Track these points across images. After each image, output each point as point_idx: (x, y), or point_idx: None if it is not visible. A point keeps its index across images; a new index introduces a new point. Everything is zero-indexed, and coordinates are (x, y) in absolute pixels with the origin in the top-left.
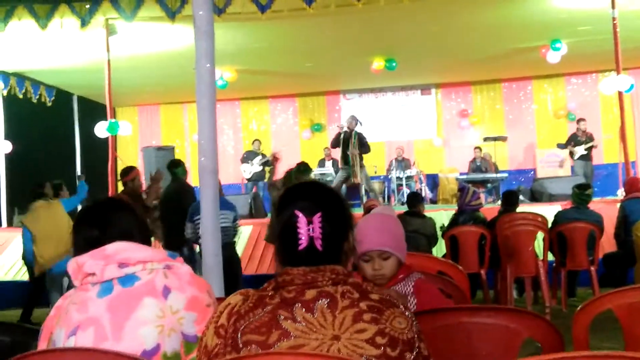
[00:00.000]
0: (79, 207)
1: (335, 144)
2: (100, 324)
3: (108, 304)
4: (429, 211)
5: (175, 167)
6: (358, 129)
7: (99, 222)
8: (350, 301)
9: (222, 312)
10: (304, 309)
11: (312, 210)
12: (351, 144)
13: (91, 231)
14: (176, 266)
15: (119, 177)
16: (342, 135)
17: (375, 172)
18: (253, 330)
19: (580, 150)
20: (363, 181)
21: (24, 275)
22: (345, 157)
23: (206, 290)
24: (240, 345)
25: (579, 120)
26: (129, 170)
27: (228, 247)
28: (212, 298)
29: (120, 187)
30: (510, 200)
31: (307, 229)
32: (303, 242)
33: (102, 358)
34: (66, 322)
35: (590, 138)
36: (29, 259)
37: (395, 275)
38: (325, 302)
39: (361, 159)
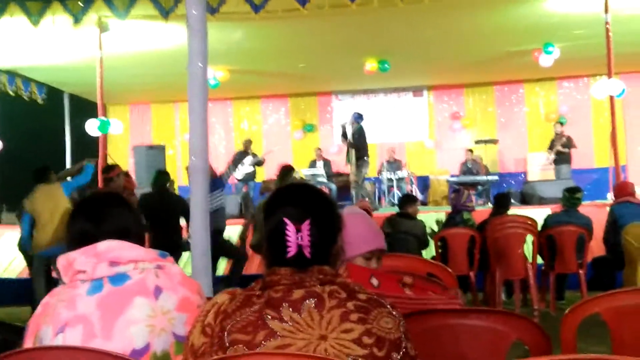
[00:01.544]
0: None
1: (342, 139)
2: (89, 321)
3: (98, 302)
4: (419, 213)
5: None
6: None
7: (94, 215)
8: (337, 301)
9: (208, 311)
10: (291, 309)
11: (300, 217)
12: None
13: (86, 224)
14: (167, 266)
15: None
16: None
17: (366, 173)
18: (240, 330)
19: (552, 154)
20: (352, 178)
21: (11, 273)
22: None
23: (197, 291)
24: (227, 345)
25: (554, 124)
26: (112, 168)
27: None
28: (203, 299)
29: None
30: (501, 202)
31: (296, 237)
32: (291, 250)
33: (89, 356)
34: (53, 319)
35: (559, 140)
36: (24, 246)
37: None
38: (313, 302)
39: (360, 156)
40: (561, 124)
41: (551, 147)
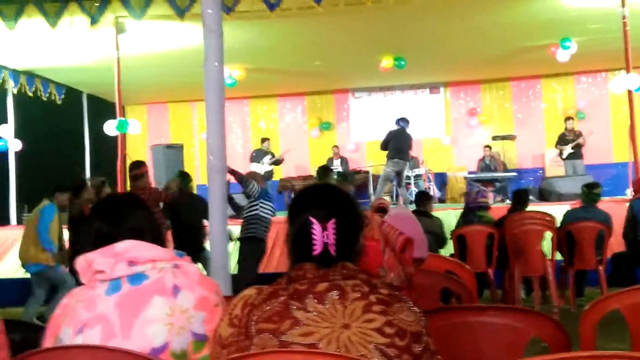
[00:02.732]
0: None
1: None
2: (108, 321)
3: (117, 301)
4: (437, 210)
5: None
6: (408, 129)
7: (111, 216)
8: (360, 294)
9: (236, 304)
10: (315, 300)
11: (326, 217)
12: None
13: (103, 225)
14: (184, 265)
15: (128, 172)
16: None
17: (390, 174)
18: (266, 320)
19: (567, 149)
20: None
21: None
22: None
23: (214, 290)
24: (253, 334)
25: (566, 119)
26: (140, 164)
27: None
28: (220, 298)
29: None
30: (520, 199)
31: (322, 235)
32: (317, 248)
33: (109, 355)
34: (73, 320)
35: (578, 136)
36: None
37: None
38: (336, 293)
39: (389, 157)
40: (572, 119)
41: (560, 143)
